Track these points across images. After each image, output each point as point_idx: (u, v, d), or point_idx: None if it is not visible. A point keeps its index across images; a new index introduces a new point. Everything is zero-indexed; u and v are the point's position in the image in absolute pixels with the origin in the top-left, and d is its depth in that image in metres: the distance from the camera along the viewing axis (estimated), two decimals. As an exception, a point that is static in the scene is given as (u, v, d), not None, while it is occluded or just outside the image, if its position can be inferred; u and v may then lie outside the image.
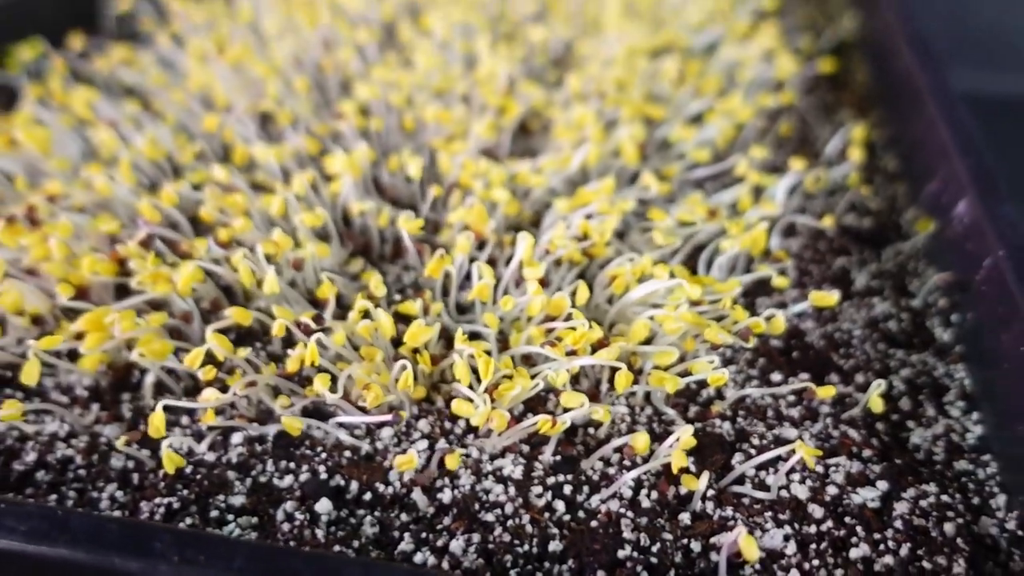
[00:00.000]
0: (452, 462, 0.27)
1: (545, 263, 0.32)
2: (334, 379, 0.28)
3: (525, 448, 0.29)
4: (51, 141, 0.39)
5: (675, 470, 0.26)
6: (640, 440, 0.27)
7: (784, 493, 0.28)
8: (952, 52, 0.52)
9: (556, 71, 0.50)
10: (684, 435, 0.27)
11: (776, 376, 0.32)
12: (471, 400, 0.27)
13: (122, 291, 0.34)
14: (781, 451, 0.27)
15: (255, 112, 0.44)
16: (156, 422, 0.27)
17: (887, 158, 0.46)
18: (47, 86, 0.45)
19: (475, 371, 0.28)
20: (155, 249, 0.33)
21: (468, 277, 0.34)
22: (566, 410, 0.28)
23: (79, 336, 0.30)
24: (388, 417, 0.28)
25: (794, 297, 0.35)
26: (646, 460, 0.28)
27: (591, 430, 0.30)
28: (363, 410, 0.29)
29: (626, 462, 0.28)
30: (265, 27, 0.51)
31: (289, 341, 0.31)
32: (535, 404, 0.30)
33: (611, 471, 0.28)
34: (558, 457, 0.29)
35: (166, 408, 0.27)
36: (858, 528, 0.27)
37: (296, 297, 0.33)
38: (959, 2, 0.83)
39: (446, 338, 0.32)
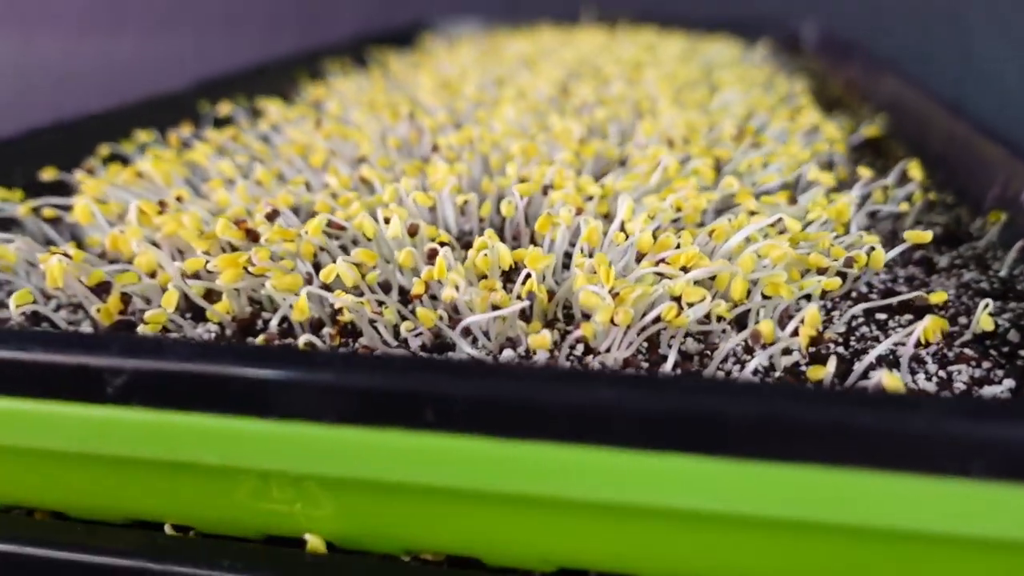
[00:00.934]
0: (588, 331, 0.27)
1: (646, 218, 0.34)
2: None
3: (645, 364, 0.30)
4: (171, 175, 0.43)
5: (804, 342, 0.27)
6: (766, 326, 0.28)
7: (912, 386, 0.28)
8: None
9: (620, 141, 0.54)
10: (808, 312, 0.27)
11: (881, 315, 0.33)
12: (598, 295, 0.28)
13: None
14: (902, 335, 0.28)
15: (352, 162, 0.48)
16: (301, 305, 0.28)
17: (944, 194, 0.49)
18: (162, 154, 0.50)
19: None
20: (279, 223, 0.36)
21: (572, 246, 0.36)
22: (691, 306, 0.29)
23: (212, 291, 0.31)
24: (518, 306, 0.29)
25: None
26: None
27: (708, 352, 0.31)
28: (485, 335, 0.30)
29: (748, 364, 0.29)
30: (353, 118, 0.56)
31: (405, 302, 0.33)
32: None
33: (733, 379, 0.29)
34: (679, 371, 0.29)
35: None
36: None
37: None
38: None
39: (551, 296, 0.34)
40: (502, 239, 0.40)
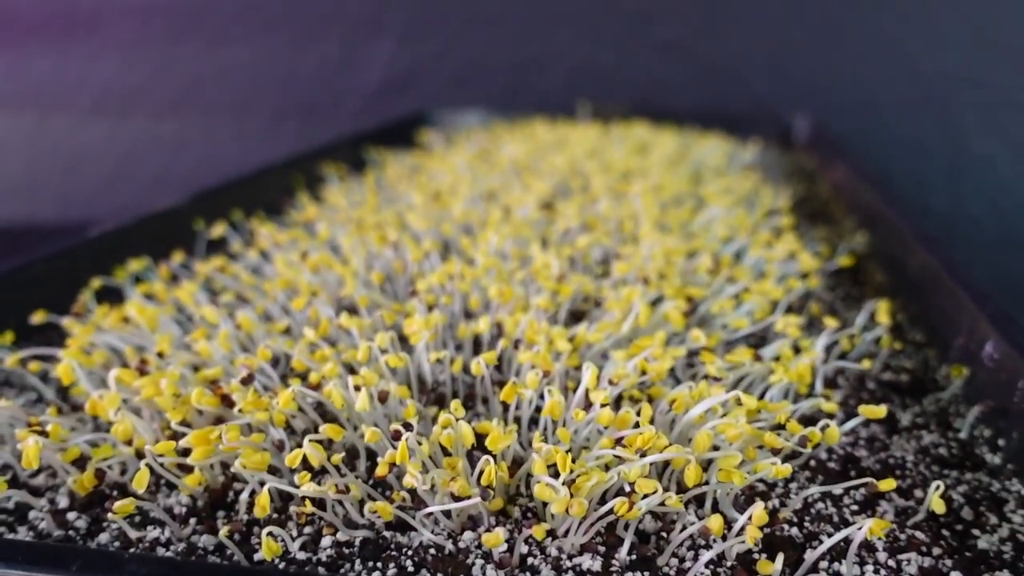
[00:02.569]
0: (539, 533, 0.28)
1: (609, 390, 0.35)
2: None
3: (602, 548, 0.30)
4: (158, 320, 0.45)
5: (750, 540, 0.28)
6: (715, 522, 0.28)
7: (861, 583, 0.28)
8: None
9: (601, 267, 0.56)
10: (756, 510, 0.28)
11: (837, 490, 0.34)
12: (552, 487, 0.29)
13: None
14: (850, 531, 0.28)
15: (336, 300, 0.49)
16: (262, 501, 0.28)
17: (914, 332, 0.50)
18: (152, 286, 0.51)
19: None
20: (254, 387, 0.37)
21: (538, 410, 0.37)
22: (643, 498, 0.29)
23: (186, 453, 0.32)
24: (475, 500, 0.29)
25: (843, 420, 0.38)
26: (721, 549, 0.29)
27: (664, 534, 0.31)
28: (446, 515, 0.31)
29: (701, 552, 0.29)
30: (341, 244, 0.58)
31: (372, 468, 0.34)
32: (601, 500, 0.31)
33: (687, 565, 0.29)
34: (633, 556, 0.30)
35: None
36: None
37: (381, 421, 0.36)
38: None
39: (517, 463, 0.34)
40: (471, 397, 0.41)
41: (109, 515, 0.30)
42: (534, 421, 0.38)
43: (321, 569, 0.29)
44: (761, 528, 0.31)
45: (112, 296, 0.53)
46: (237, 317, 0.45)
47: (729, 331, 0.46)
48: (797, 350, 0.43)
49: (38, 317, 0.46)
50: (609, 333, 0.43)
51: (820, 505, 0.33)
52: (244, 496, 0.33)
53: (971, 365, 0.41)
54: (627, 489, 0.31)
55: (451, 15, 1.39)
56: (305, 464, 0.32)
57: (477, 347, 0.45)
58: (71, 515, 0.33)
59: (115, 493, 0.34)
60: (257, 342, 0.44)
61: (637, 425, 0.32)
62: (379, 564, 0.30)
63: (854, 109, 1.36)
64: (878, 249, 0.62)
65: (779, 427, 0.34)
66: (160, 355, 0.40)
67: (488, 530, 0.31)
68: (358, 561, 0.30)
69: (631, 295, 0.46)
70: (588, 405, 0.35)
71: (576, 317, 0.49)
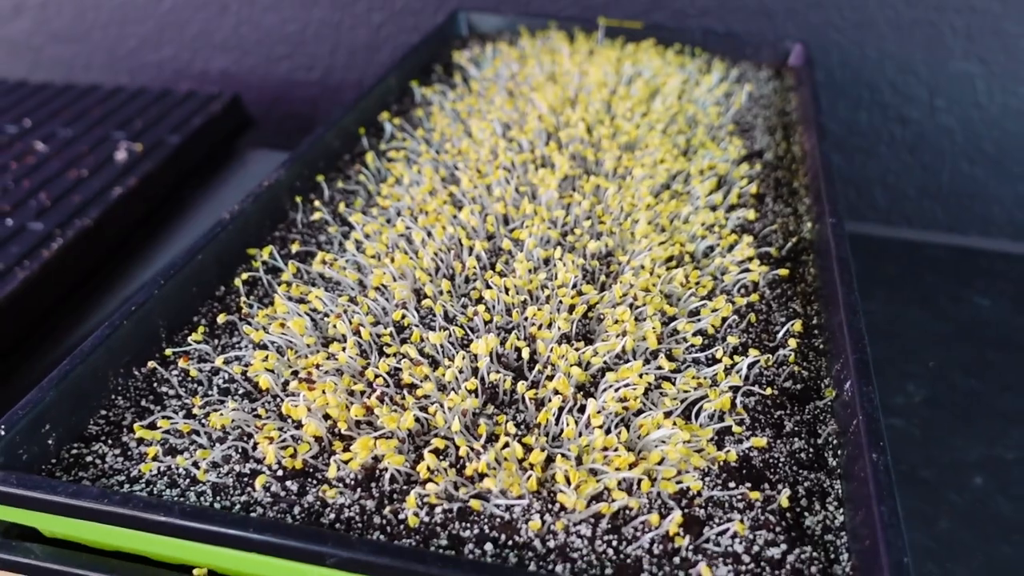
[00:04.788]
0: (560, 525, 0.52)
1: (603, 415, 0.58)
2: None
3: (592, 521, 0.54)
4: (305, 327, 0.66)
5: (673, 533, 0.51)
6: (655, 518, 0.52)
7: (729, 549, 0.52)
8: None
9: (604, 266, 0.76)
10: (676, 516, 0.52)
11: (732, 484, 0.57)
12: (565, 492, 0.52)
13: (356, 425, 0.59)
14: (729, 525, 0.52)
15: (416, 301, 0.71)
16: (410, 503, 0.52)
17: (818, 339, 0.72)
18: (284, 280, 0.72)
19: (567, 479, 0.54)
20: (385, 402, 0.59)
21: (556, 421, 0.59)
22: (613, 501, 0.53)
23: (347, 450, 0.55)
24: (524, 501, 0.53)
25: (747, 436, 0.61)
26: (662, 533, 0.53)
27: (630, 511, 0.55)
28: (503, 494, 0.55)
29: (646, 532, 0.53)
30: (413, 235, 0.78)
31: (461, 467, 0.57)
32: (599, 496, 0.55)
33: (639, 533, 0.53)
34: (609, 526, 0.54)
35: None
36: (767, 568, 0.51)
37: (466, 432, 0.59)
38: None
39: (549, 458, 0.58)
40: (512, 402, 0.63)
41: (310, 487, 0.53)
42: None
43: (438, 528, 0.53)
44: (683, 508, 0.55)
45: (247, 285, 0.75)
46: (352, 319, 0.67)
47: (688, 350, 0.68)
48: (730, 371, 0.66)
49: (221, 319, 0.68)
50: (608, 350, 0.65)
51: (720, 495, 0.56)
52: (387, 475, 0.56)
53: (838, 388, 0.64)
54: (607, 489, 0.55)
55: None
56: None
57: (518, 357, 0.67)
58: (288, 483, 0.56)
59: (311, 469, 0.57)
60: (372, 346, 0.66)
61: (617, 449, 0.55)
62: (468, 524, 0.53)
63: (853, 27, 1.50)
64: (813, 249, 0.83)
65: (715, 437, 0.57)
66: (317, 366, 0.62)
67: (528, 507, 0.54)
68: (457, 522, 0.53)
69: (623, 316, 0.67)
70: (588, 424, 0.58)
71: (582, 324, 0.70)
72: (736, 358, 0.66)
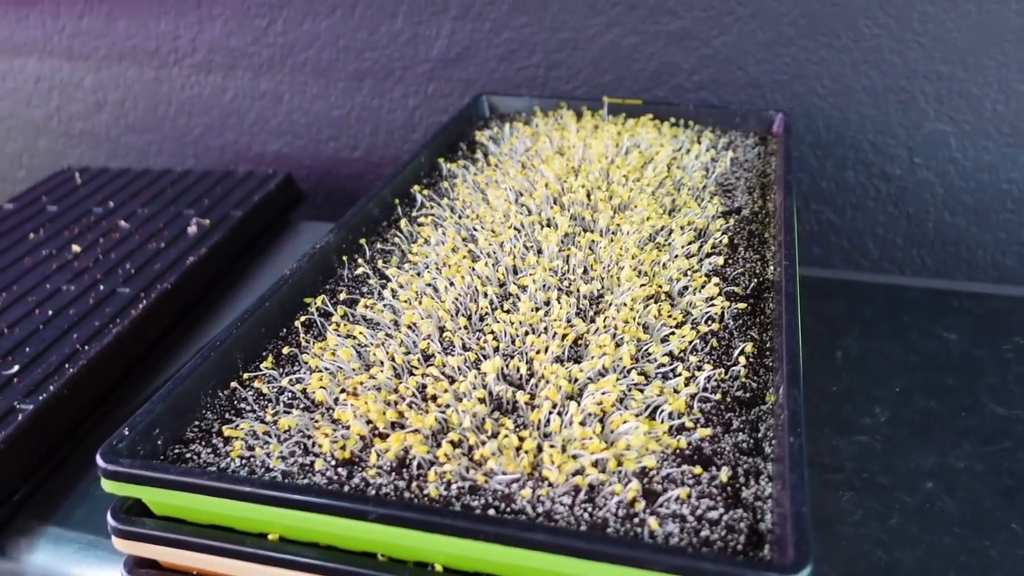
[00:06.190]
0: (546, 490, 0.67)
1: (583, 414, 0.74)
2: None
3: (572, 492, 0.69)
4: (351, 355, 0.84)
5: (631, 499, 0.67)
6: (619, 487, 0.67)
7: (677, 512, 0.68)
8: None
9: (594, 304, 0.93)
10: (634, 483, 0.67)
11: (684, 466, 0.72)
12: (551, 470, 0.68)
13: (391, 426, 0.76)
14: (677, 491, 0.67)
15: (439, 335, 0.88)
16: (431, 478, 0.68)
17: (769, 359, 0.87)
18: (334, 321, 0.90)
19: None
20: (413, 408, 0.76)
21: (547, 423, 0.75)
22: (588, 476, 0.68)
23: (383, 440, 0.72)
24: (519, 476, 0.69)
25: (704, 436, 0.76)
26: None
27: (602, 487, 0.70)
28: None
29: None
30: (437, 283, 0.96)
31: (471, 455, 0.73)
32: (577, 472, 0.70)
33: (610, 501, 0.69)
34: (585, 497, 0.69)
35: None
36: (707, 525, 0.66)
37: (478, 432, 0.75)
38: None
39: (540, 447, 0.73)
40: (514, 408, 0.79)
41: (356, 472, 0.70)
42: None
43: (453, 499, 0.69)
44: (641, 486, 0.70)
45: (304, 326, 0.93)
46: (388, 348, 0.84)
47: (658, 366, 0.83)
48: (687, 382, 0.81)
49: (285, 351, 0.85)
50: (591, 368, 0.81)
51: (673, 472, 0.71)
52: (415, 462, 0.72)
53: (776, 394, 0.79)
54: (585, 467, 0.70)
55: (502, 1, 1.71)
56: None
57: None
58: (339, 469, 0.72)
59: (356, 459, 0.74)
60: (404, 369, 0.83)
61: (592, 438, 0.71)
62: (476, 496, 0.69)
63: (833, 95, 1.67)
64: (774, 283, 0.98)
65: (671, 430, 0.72)
66: (361, 383, 0.79)
67: (523, 482, 0.70)
68: (468, 495, 0.69)
69: (604, 341, 0.84)
70: (571, 421, 0.74)
71: (572, 350, 0.87)
72: (697, 372, 0.82)
